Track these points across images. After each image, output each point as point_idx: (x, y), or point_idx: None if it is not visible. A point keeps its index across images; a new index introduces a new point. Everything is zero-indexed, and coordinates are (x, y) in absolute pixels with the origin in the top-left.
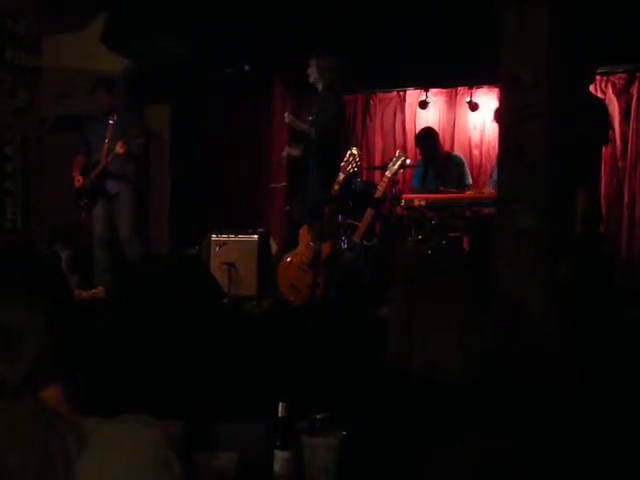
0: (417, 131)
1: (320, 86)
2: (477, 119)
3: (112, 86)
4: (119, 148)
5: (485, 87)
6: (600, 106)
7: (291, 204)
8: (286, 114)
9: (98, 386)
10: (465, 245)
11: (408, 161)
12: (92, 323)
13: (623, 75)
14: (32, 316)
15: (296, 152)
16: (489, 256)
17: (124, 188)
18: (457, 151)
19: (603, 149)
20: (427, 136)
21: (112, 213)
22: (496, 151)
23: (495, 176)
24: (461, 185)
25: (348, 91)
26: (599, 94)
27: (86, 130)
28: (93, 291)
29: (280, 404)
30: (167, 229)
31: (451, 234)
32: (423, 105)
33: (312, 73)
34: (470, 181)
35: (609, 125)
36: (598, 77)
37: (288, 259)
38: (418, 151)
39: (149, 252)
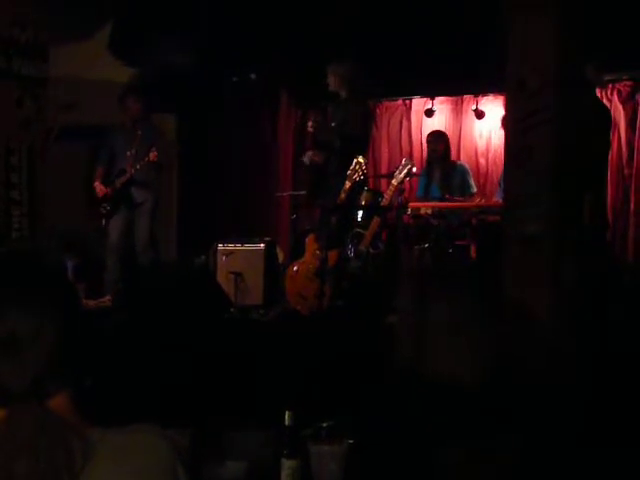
0: (426, 135)
1: (343, 93)
2: (483, 127)
3: (140, 94)
4: (153, 156)
5: (491, 95)
6: (603, 110)
7: (297, 213)
8: (306, 156)
9: (107, 395)
10: (472, 253)
11: (414, 169)
12: (99, 332)
13: (629, 82)
14: (38, 324)
15: (319, 159)
16: (496, 263)
17: (148, 198)
18: (463, 159)
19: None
20: (439, 136)
21: (130, 222)
22: (502, 159)
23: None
24: (465, 194)
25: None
26: (605, 101)
27: (111, 140)
28: (100, 300)
29: (287, 412)
30: (175, 238)
31: (458, 242)
32: (429, 113)
33: (332, 82)
34: (474, 190)
35: (610, 130)
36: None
37: (295, 268)
38: (426, 155)
39: (157, 261)
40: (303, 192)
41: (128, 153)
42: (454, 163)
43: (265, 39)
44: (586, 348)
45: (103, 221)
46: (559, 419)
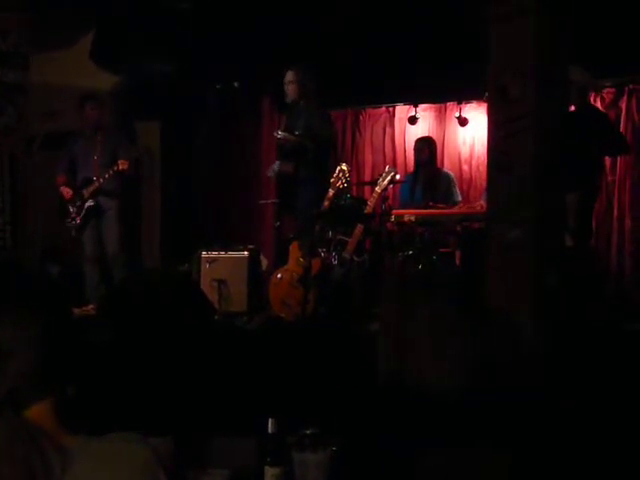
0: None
1: (302, 101)
2: (466, 134)
3: (99, 101)
4: (122, 165)
5: (474, 102)
6: (597, 115)
7: (281, 220)
8: (278, 131)
9: (90, 403)
10: (456, 260)
11: (398, 176)
12: (83, 340)
13: (611, 89)
14: (19, 334)
15: (289, 169)
16: (480, 271)
17: (113, 205)
18: (447, 166)
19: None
20: (426, 140)
21: (101, 231)
22: (486, 166)
23: None
24: (449, 202)
25: (335, 105)
26: None
27: (71, 147)
28: (84, 308)
29: (270, 420)
30: (158, 245)
31: (442, 249)
32: (412, 120)
33: (292, 90)
34: (459, 198)
35: (611, 135)
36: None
37: (278, 275)
38: (411, 161)
39: (140, 268)
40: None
41: (93, 159)
42: (439, 171)
43: (247, 47)
44: (567, 354)
45: (73, 232)
46: (542, 426)
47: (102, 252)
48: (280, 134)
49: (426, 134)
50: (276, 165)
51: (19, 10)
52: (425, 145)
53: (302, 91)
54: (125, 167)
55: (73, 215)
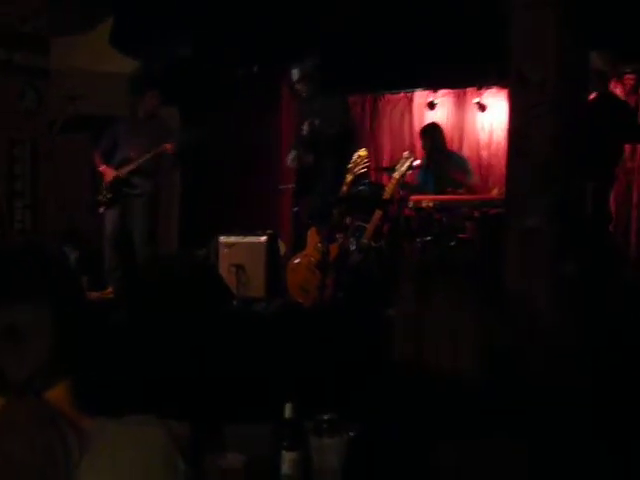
0: None
1: (317, 92)
2: (485, 120)
3: (158, 92)
4: (169, 147)
5: (494, 88)
6: (618, 104)
7: (299, 205)
8: (292, 158)
9: (108, 386)
10: (474, 246)
11: (416, 162)
12: (102, 323)
13: (631, 75)
14: (38, 316)
15: (309, 159)
16: (498, 256)
17: (147, 190)
18: (465, 152)
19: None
20: (429, 131)
21: (126, 213)
22: (505, 152)
23: None
24: (458, 185)
25: (354, 91)
26: None
27: (114, 128)
28: (103, 292)
29: (287, 405)
30: (176, 230)
31: (460, 235)
32: (431, 106)
33: (303, 87)
34: (470, 180)
35: (632, 122)
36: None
37: (296, 260)
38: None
39: (158, 253)
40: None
41: (135, 143)
42: (449, 155)
43: (267, 32)
44: (585, 340)
45: (101, 209)
46: (559, 411)
47: (122, 234)
48: (305, 128)
49: (444, 120)
50: (293, 154)
51: None
52: (427, 135)
53: (312, 84)
54: (170, 149)
55: (105, 192)
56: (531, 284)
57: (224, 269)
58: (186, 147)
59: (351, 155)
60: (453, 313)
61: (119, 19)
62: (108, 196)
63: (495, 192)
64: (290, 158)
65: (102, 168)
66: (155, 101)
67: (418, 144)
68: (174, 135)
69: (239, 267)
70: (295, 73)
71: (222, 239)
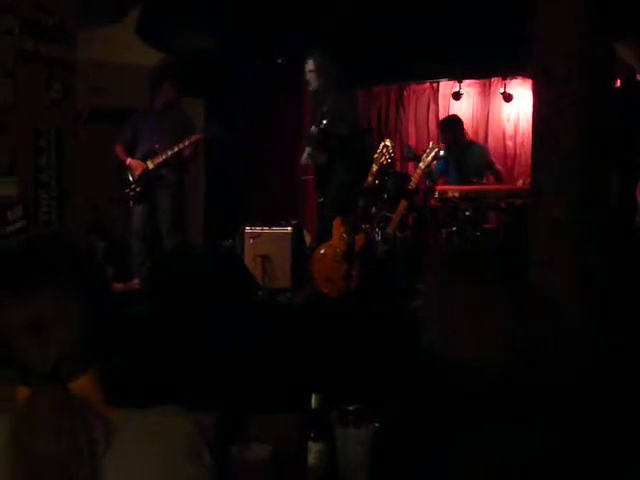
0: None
1: (326, 87)
2: (511, 110)
3: (177, 80)
4: (195, 139)
5: (519, 78)
6: None
7: (324, 196)
8: (307, 156)
9: (134, 377)
10: (499, 236)
11: (442, 152)
12: (128, 314)
13: None
14: (62, 306)
15: (322, 159)
16: (524, 247)
17: (174, 181)
18: (491, 142)
19: None
20: (449, 124)
21: (154, 206)
22: (530, 142)
23: None
24: (481, 175)
25: (379, 81)
26: None
27: (135, 120)
28: (129, 283)
29: (313, 395)
30: (202, 221)
31: (485, 225)
32: (456, 96)
33: (313, 78)
34: (493, 171)
35: None
36: None
37: (322, 251)
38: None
39: (184, 244)
40: None
41: (159, 134)
42: (469, 145)
43: (290, 23)
44: (609, 333)
45: (131, 203)
46: (582, 404)
47: (150, 227)
48: (313, 129)
49: (470, 110)
50: (307, 152)
51: None
52: (448, 127)
53: (324, 79)
54: (198, 141)
55: (133, 186)
56: (556, 275)
57: (250, 260)
58: (212, 137)
59: (364, 154)
60: (478, 304)
61: (145, 11)
62: (137, 189)
63: (520, 183)
64: (304, 156)
65: (129, 161)
66: (173, 92)
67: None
68: (195, 125)
69: (265, 258)
70: (309, 64)
71: (247, 230)
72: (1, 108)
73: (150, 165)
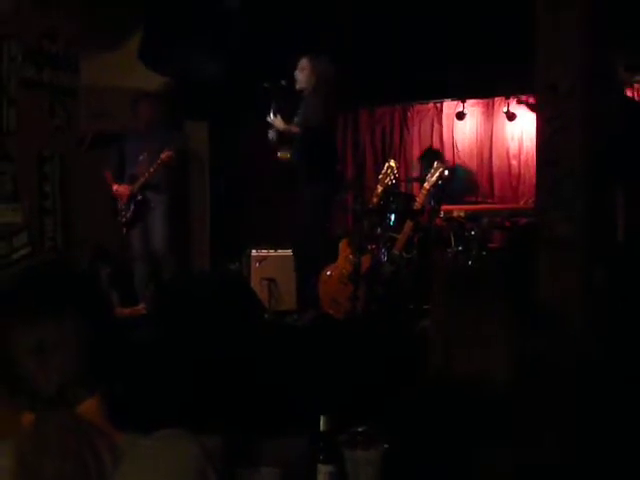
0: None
1: (311, 88)
2: (515, 129)
3: (152, 100)
4: (165, 157)
5: (523, 96)
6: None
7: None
8: (270, 115)
9: (140, 401)
10: (505, 255)
11: (446, 172)
12: (133, 339)
13: None
14: (65, 331)
15: (285, 156)
16: (530, 266)
17: (162, 201)
18: (495, 162)
19: None
20: (427, 157)
21: (148, 228)
22: (534, 161)
23: None
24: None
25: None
26: None
27: (121, 145)
28: (135, 308)
29: (322, 417)
30: (208, 244)
31: (491, 245)
32: (460, 116)
33: (302, 77)
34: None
35: None
36: (637, 85)
37: (328, 273)
38: (461, 156)
39: (188, 267)
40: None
41: (140, 158)
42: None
43: (294, 45)
44: (617, 351)
45: (124, 230)
46: (588, 420)
47: (149, 250)
48: (270, 119)
49: (474, 129)
50: (272, 132)
51: (68, 14)
52: (425, 161)
53: (312, 80)
54: (168, 158)
55: (123, 212)
56: (562, 293)
57: (256, 283)
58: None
59: (333, 166)
60: (484, 322)
61: (147, 35)
62: (127, 215)
63: (524, 202)
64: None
65: (115, 188)
66: (151, 111)
67: (448, 154)
68: (184, 140)
69: (271, 280)
70: (302, 62)
71: (253, 253)
72: (5, 135)
73: (134, 189)
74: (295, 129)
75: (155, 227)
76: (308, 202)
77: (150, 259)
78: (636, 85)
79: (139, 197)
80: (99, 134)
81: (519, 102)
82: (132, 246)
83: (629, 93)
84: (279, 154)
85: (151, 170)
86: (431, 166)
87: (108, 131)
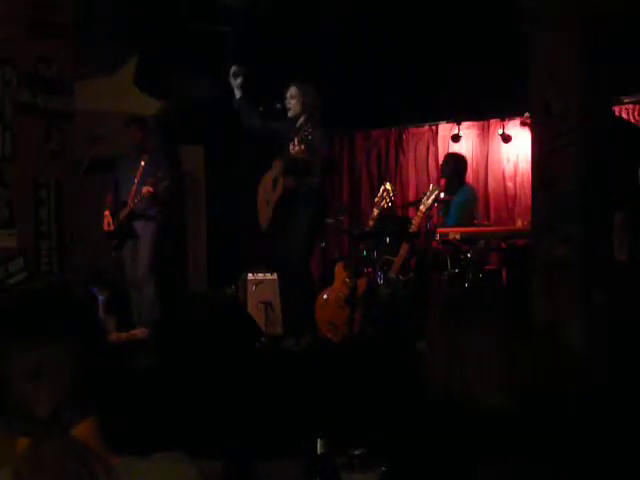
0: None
1: (304, 116)
2: (510, 151)
3: (145, 123)
4: (145, 190)
5: (518, 118)
6: (632, 129)
7: (326, 241)
8: (294, 144)
9: (137, 426)
10: (502, 277)
11: (442, 195)
12: (130, 364)
13: (630, 105)
14: (62, 355)
15: (290, 184)
16: (527, 288)
17: (148, 232)
18: (491, 184)
19: None
20: (449, 156)
21: (136, 256)
22: (530, 183)
23: None
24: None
25: (378, 125)
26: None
27: (117, 170)
28: (132, 332)
29: (319, 441)
30: (205, 268)
31: (487, 267)
32: (455, 139)
33: (293, 105)
34: (476, 215)
35: None
36: (630, 106)
37: (325, 296)
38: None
39: (188, 291)
40: (331, 220)
41: (133, 183)
42: (458, 188)
43: (288, 69)
44: (616, 370)
45: (113, 253)
46: (592, 442)
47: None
48: (296, 147)
49: (469, 152)
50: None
51: (63, 38)
52: (445, 161)
53: (303, 107)
54: (147, 193)
55: (113, 238)
56: (560, 314)
57: (252, 306)
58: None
59: (327, 190)
60: (482, 344)
61: (143, 60)
62: (115, 242)
63: (520, 223)
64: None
65: (105, 214)
66: (139, 135)
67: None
68: (159, 175)
69: (267, 304)
70: (291, 90)
71: (250, 277)
72: (0, 160)
73: (120, 217)
74: (312, 158)
75: (140, 257)
76: (301, 225)
77: (139, 285)
78: (630, 106)
79: (125, 225)
80: (95, 159)
81: (523, 124)
82: (126, 272)
83: (624, 115)
84: (285, 182)
85: (136, 201)
86: (454, 171)
87: (104, 156)
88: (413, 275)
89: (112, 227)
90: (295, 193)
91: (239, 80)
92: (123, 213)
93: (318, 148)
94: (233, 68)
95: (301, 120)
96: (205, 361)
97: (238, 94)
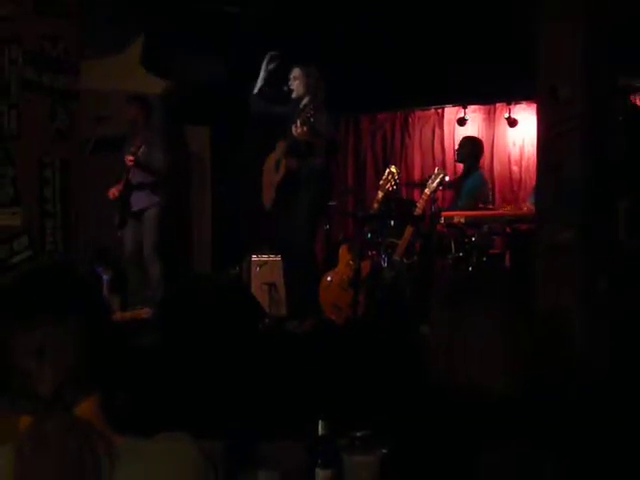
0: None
1: (307, 97)
2: (516, 135)
3: (144, 101)
4: (128, 160)
5: (524, 103)
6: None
7: (330, 223)
8: (297, 125)
9: (141, 405)
10: (506, 262)
11: (447, 178)
12: (133, 342)
13: None
14: (66, 334)
15: (293, 164)
16: (530, 272)
17: (150, 204)
18: (496, 168)
19: None
20: (465, 140)
21: (139, 231)
22: (535, 167)
23: None
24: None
25: (384, 108)
26: None
27: (123, 149)
28: (135, 311)
29: (320, 422)
30: (209, 249)
31: (491, 251)
32: (461, 122)
33: (297, 86)
34: (481, 203)
35: None
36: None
37: (328, 278)
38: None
39: (192, 272)
40: (335, 203)
41: (126, 159)
42: (469, 172)
43: (295, 50)
44: (618, 356)
45: (118, 233)
46: (591, 427)
47: (141, 254)
48: (299, 129)
49: (475, 135)
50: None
51: (69, 17)
52: (461, 145)
53: (307, 88)
54: (131, 162)
55: (116, 213)
56: (562, 299)
57: (256, 288)
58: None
59: (332, 172)
60: (486, 330)
61: (149, 39)
62: (116, 220)
63: (526, 208)
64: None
65: (110, 191)
66: (134, 110)
67: (449, 160)
68: (159, 148)
69: (271, 285)
70: (295, 71)
71: (254, 258)
72: (6, 139)
73: (115, 192)
74: (314, 140)
75: (144, 231)
76: (303, 206)
77: (142, 263)
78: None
79: (122, 199)
80: (101, 138)
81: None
82: (125, 248)
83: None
84: (288, 163)
85: (129, 174)
86: (471, 155)
87: (111, 135)
88: (417, 258)
89: (114, 199)
90: (298, 174)
91: (272, 66)
92: (118, 187)
93: (322, 130)
94: (270, 53)
95: (305, 101)
96: (208, 342)
97: (262, 80)
